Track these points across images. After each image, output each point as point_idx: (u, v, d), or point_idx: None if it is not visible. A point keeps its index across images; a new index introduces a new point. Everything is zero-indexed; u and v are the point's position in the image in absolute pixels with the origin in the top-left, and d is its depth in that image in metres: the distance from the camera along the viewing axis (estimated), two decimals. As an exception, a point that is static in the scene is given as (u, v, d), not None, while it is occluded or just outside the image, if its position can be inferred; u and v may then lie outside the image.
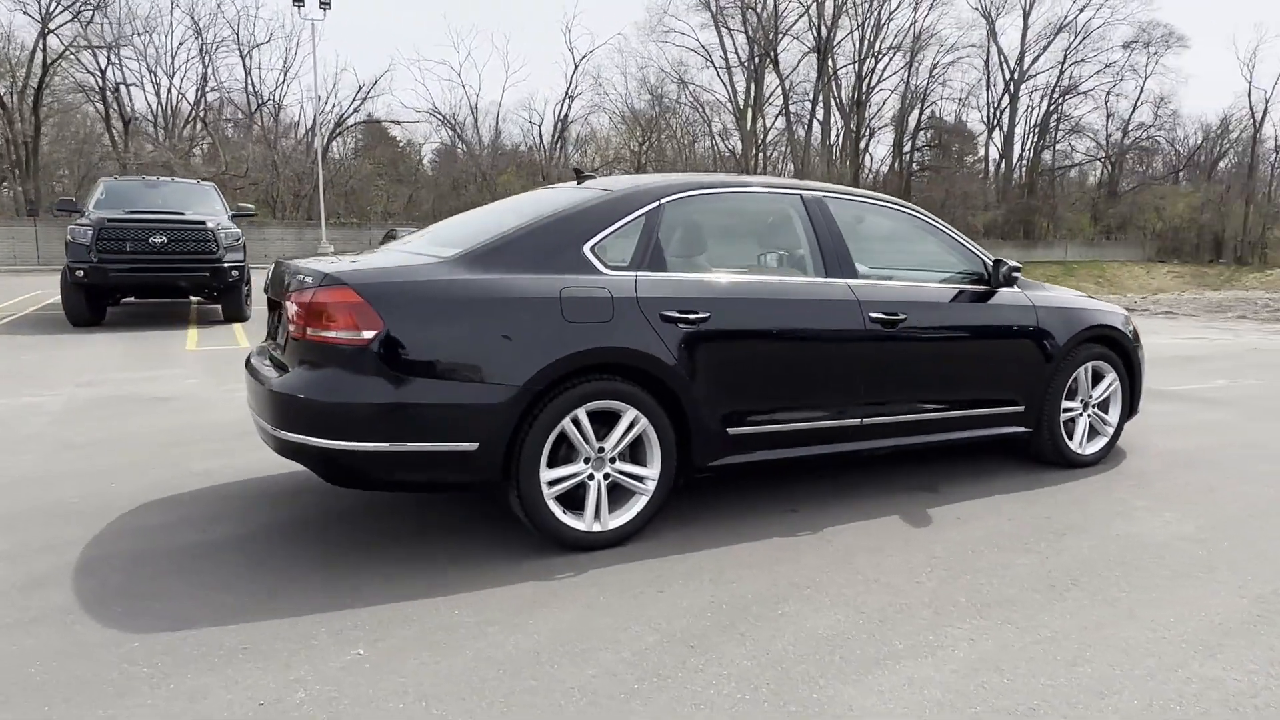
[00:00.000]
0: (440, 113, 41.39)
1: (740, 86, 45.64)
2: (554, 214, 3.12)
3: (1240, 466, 4.17)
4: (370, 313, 2.71)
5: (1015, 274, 3.89)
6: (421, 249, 3.24)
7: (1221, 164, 50.20)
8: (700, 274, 3.19)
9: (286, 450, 2.84)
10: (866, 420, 3.40)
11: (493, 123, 42.40)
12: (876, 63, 45.86)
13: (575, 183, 3.66)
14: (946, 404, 3.65)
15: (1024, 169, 49.45)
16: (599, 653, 2.26)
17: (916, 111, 47.23)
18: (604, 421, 2.93)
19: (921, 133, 48.33)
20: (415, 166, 41.68)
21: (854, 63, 45.50)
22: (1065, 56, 47.59)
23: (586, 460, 2.91)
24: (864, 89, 45.87)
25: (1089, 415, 4.14)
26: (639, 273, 3.02)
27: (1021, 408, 3.87)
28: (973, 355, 3.75)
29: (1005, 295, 3.86)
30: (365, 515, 3.29)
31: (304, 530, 3.15)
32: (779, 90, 45.36)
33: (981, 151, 51.00)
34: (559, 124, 42.26)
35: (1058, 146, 50.09)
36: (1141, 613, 2.54)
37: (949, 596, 2.63)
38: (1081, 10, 46.37)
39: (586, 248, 2.98)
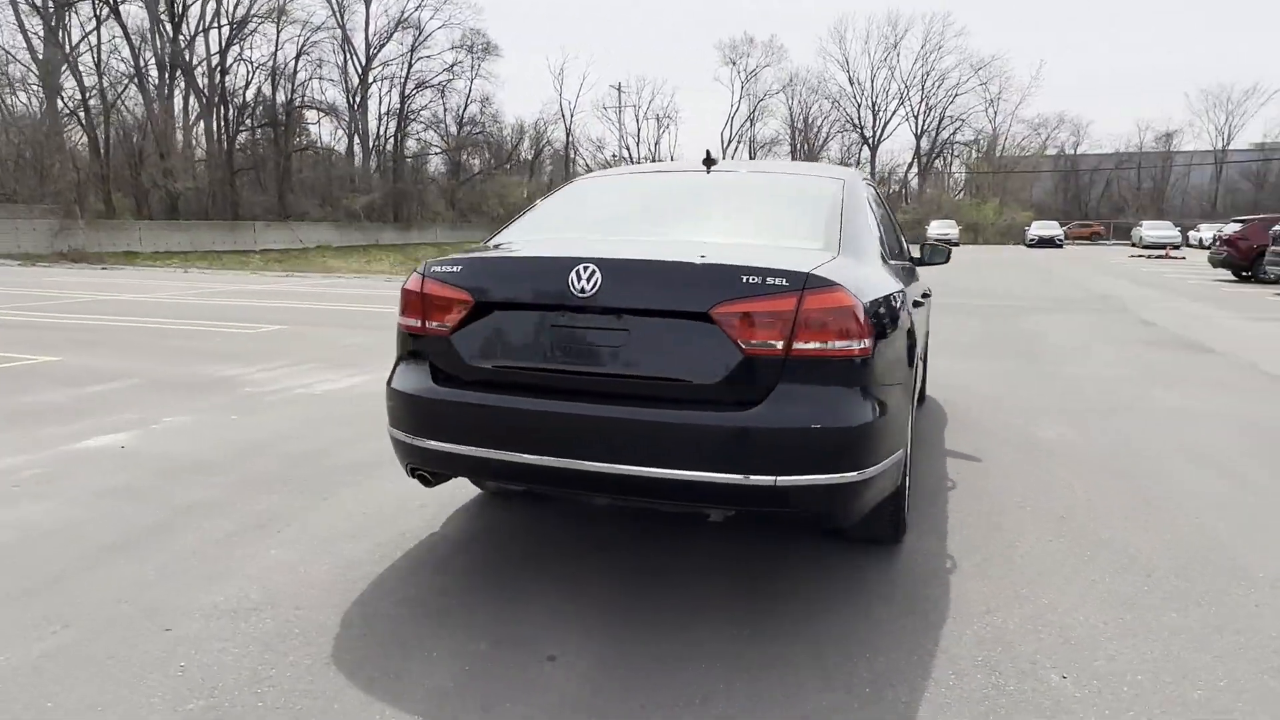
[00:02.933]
0: None
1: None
2: (857, 208, 3.39)
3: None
4: (865, 320, 2.64)
5: None
6: (753, 241, 3.22)
7: (544, 155, 61.50)
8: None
9: (770, 498, 2.56)
10: None
11: None
12: (233, 32, 43.62)
13: (705, 168, 3.75)
14: None
15: (387, 155, 53.01)
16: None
17: (285, 91, 46.56)
18: None
19: (286, 112, 47.70)
20: None
21: (202, 32, 42.60)
22: (412, 51, 52.43)
23: None
24: (217, 61, 43.26)
25: None
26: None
27: None
28: None
29: None
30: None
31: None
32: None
33: (344, 136, 52.99)
34: None
35: (421, 136, 55.07)
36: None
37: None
38: (419, 8, 51.59)
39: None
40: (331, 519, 3.74)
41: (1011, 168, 63.42)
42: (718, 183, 3.79)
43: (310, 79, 49.22)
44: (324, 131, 59.89)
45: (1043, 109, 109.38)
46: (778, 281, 2.60)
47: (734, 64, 68.51)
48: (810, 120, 69.04)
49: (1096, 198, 68.19)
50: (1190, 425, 5.62)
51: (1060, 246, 43.98)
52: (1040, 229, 45.75)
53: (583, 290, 2.70)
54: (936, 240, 6.37)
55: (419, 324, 3.02)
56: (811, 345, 2.58)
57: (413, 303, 3.06)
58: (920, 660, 2.58)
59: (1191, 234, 45.13)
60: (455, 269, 2.95)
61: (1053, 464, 4.67)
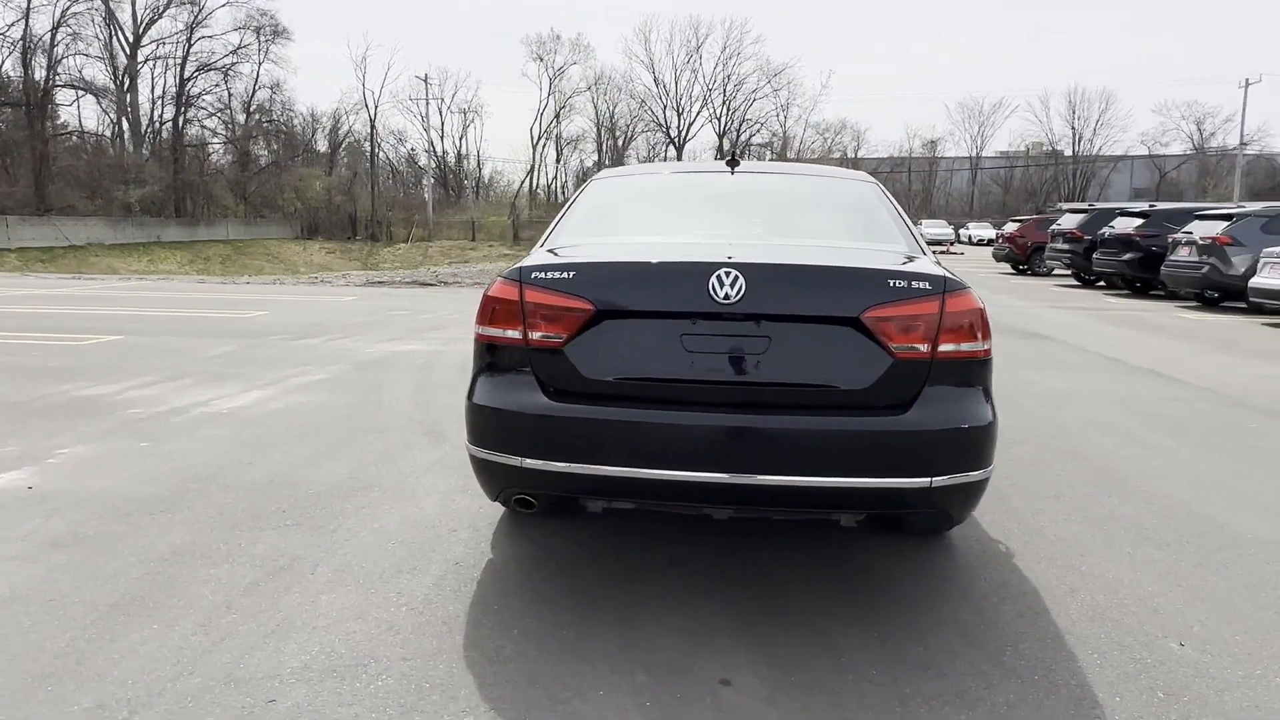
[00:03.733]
0: None
1: None
2: (900, 210, 3.51)
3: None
4: (987, 321, 2.72)
5: None
6: (843, 244, 3.24)
7: (343, 147, 58.05)
8: None
9: (921, 500, 2.59)
10: None
11: None
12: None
13: (730, 169, 3.74)
14: None
15: (164, 144, 47.94)
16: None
17: (38, 69, 40.81)
18: None
19: (41, 91, 41.91)
20: None
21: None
22: (191, 30, 47.73)
23: None
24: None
25: None
26: None
27: None
28: None
29: None
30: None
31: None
32: None
33: (111, 120, 47.37)
34: None
35: (204, 123, 50.18)
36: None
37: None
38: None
39: None
40: (361, 554, 3.35)
41: (807, 169, 67.66)
42: (763, 185, 3.77)
43: (68, 55, 43.61)
44: (86, 115, 53.14)
45: (831, 115, 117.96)
46: (923, 285, 2.64)
47: (541, 60, 68.18)
48: (616, 118, 70.14)
49: (877, 198, 74.50)
50: (1084, 404, 6.30)
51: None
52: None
53: (726, 297, 2.59)
54: None
55: (518, 335, 2.77)
56: (950, 347, 2.64)
57: (506, 311, 2.79)
58: (1055, 644, 2.71)
59: (961, 232, 50.41)
60: (567, 275, 2.73)
61: (1012, 447, 5.05)
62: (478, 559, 3.33)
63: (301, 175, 50.38)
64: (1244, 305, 13.31)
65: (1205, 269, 13.85)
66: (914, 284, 2.63)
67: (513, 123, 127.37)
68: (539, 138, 67.25)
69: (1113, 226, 17.37)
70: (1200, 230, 14.27)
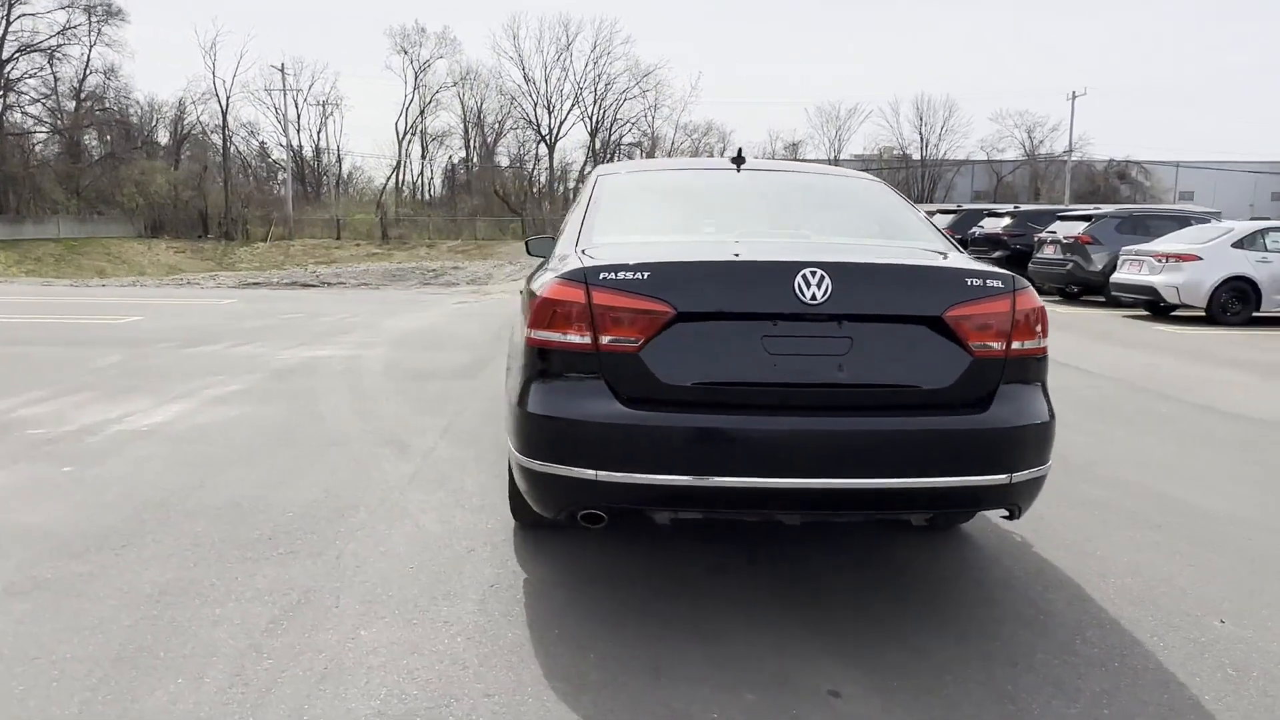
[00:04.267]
0: None
1: None
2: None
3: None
4: (1047, 318, 2.76)
5: None
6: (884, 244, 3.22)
7: (189, 140, 54.04)
8: None
9: (999, 496, 2.62)
10: None
11: None
12: None
13: (736, 166, 3.63)
14: None
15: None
16: None
17: None
18: None
19: None
20: None
21: None
22: (9, 8, 43.21)
23: None
24: None
25: None
26: None
27: None
28: None
29: None
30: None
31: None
32: None
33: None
34: None
35: (26, 109, 45.45)
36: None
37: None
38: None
39: None
40: (382, 582, 3.06)
41: (678, 169, 68.74)
42: (785, 182, 3.73)
43: None
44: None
45: (700, 117, 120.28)
46: (996, 284, 2.65)
47: (406, 53, 66.03)
48: (484, 114, 68.89)
49: (742, 198, 76.66)
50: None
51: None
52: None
53: (813, 297, 2.52)
54: None
55: (586, 340, 2.58)
56: (1020, 345, 2.67)
57: (569, 314, 2.60)
58: (1114, 629, 2.79)
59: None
60: (641, 276, 2.57)
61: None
62: (512, 579, 3.12)
63: (143, 169, 46.54)
64: (1103, 299, 14.54)
65: (1069, 266, 15.00)
66: (988, 282, 2.64)
67: (376, 117, 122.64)
68: (405, 133, 65.18)
69: (981, 226, 18.53)
70: (1063, 230, 15.45)
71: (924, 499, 2.61)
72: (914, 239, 3.27)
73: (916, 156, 77.57)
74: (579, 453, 2.56)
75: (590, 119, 69.57)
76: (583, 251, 2.94)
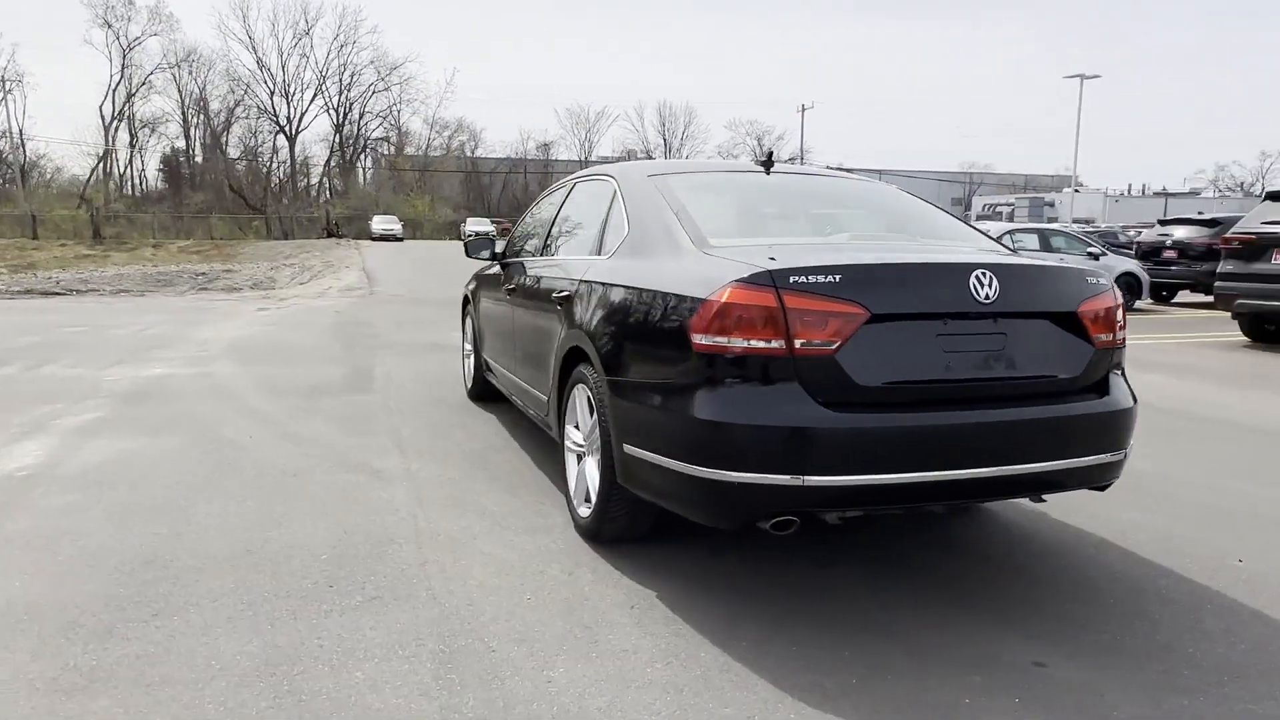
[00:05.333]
0: None
1: None
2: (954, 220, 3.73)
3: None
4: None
5: None
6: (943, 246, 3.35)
7: None
8: None
9: (1114, 471, 2.92)
10: None
11: None
12: None
13: (765, 170, 3.76)
14: None
15: None
16: None
17: None
18: None
19: None
20: None
21: None
22: None
23: None
24: None
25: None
26: None
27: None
28: None
29: None
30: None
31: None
32: None
33: None
34: None
35: None
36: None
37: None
38: None
39: None
40: (510, 617, 2.78)
41: (437, 167, 66.76)
42: (831, 187, 3.85)
43: None
44: None
45: (451, 114, 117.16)
46: (1104, 281, 2.97)
47: (110, 27, 58.14)
48: (206, 100, 62.38)
49: (498, 197, 76.09)
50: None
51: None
52: (476, 225, 49.47)
53: (986, 296, 2.67)
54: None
55: (778, 344, 2.54)
56: (1120, 335, 3.02)
57: (757, 318, 2.54)
58: (1183, 607, 3.01)
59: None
60: (834, 279, 2.57)
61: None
62: (645, 596, 2.96)
63: None
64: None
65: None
66: (1099, 280, 2.95)
67: (73, 99, 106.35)
68: (111, 119, 57.53)
69: None
70: None
71: (1065, 479, 2.86)
72: (974, 238, 3.54)
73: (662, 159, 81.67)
74: (781, 459, 2.52)
75: (335, 111, 65.49)
76: (720, 254, 2.88)
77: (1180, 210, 31.80)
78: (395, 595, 2.94)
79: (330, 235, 49.59)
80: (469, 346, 6.32)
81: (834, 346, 2.56)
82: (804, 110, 54.24)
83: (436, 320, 11.23)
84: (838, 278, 2.59)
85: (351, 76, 64.74)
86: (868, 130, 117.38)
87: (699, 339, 2.64)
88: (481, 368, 5.83)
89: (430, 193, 62.40)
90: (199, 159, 63.60)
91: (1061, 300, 2.86)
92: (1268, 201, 10.14)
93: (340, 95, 64.72)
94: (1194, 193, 61.45)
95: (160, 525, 3.56)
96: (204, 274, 18.94)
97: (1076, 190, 43.33)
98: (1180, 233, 15.29)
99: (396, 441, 5.00)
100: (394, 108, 68.35)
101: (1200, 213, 18.75)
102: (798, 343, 2.55)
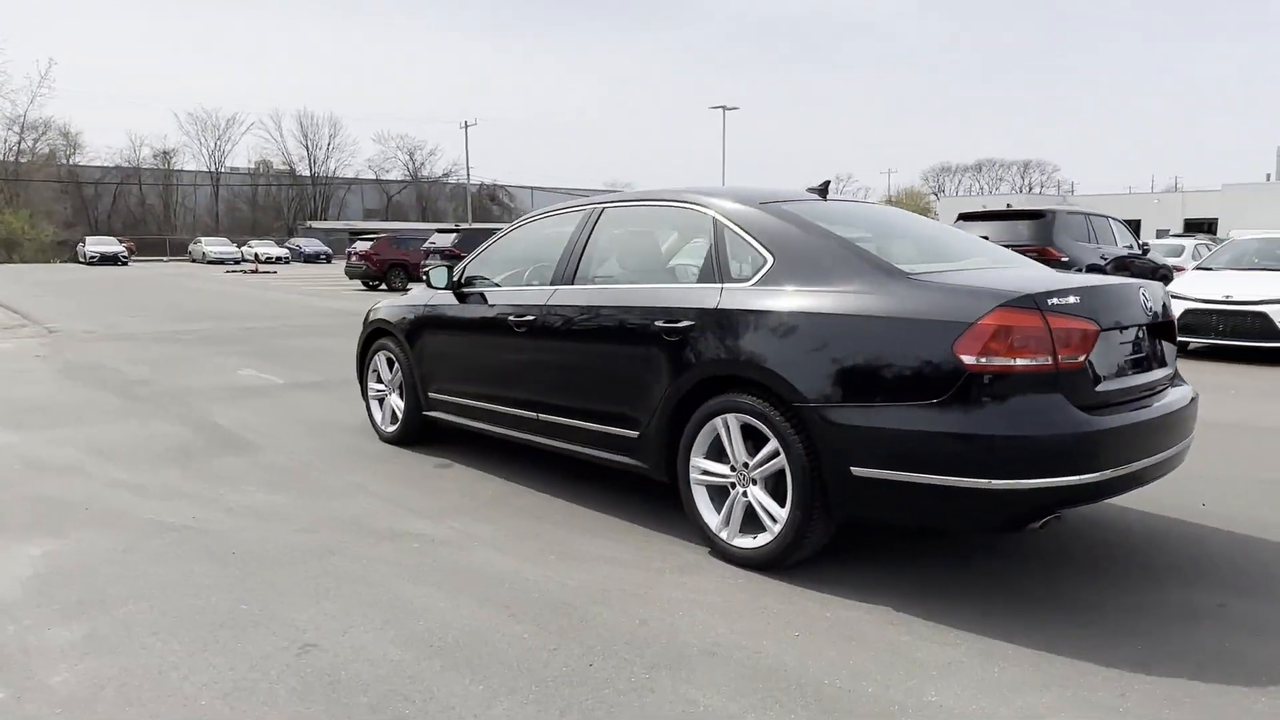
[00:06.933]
0: None
1: None
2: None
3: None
4: None
5: None
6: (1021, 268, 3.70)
7: None
8: None
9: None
10: None
11: None
12: None
13: (822, 197, 4.11)
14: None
15: None
16: None
17: None
18: None
19: None
20: None
21: None
22: None
23: None
24: None
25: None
26: None
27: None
28: None
29: None
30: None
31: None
32: None
33: None
34: None
35: None
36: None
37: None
38: None
39: None
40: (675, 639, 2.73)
41: (27, 175, 55.02)
42: (884, 214, 4.29)
43: None
44: None
45: (49, 113, 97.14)
46: None
47: None
48: None
49: (106, 211, 65.35)
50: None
51: (126, 264, 41.46)
52: (100, 245, 42.09)
53: (1151, 310, 3.27)
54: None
55: (1045, 360, 2.87)
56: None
57: (1026, 338, 2.86)
58: (1237, 567, 3.54)
59: (246, 250, 48.25)
60: (1075, 300, 2.99)
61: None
62: (791, 609, 3.07)
63: None
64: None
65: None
66: None
67: None
68: None
69: (434, 241, 19.85)
70: (439, 241, 17.90)
71: (1185, 455, 3.53)
72: (1013, 259, 4.13)
73: (305, 172, 76.22)
74: (1065, 462, 2.85)
75: None
76: (935, 280, 3.17)
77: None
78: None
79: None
80: (383, 387, 5.67)
81: (1081, 359, 2.95)
82: (467, 127, 54.36)
83: (204, 358, 9.60)
84: (1078, 300, 2.99)
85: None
86: (522, 150, 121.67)
87: (968, 359, 2.84)
88: (420, 406, 5.29)
89: (31, 207, 51.64)
90: None
91: (1166, 310, 3.57)
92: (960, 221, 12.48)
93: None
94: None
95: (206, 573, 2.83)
96: None
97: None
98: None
99: (399, 503, 4.36)
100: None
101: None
102: (1061, 357, 2.89)
